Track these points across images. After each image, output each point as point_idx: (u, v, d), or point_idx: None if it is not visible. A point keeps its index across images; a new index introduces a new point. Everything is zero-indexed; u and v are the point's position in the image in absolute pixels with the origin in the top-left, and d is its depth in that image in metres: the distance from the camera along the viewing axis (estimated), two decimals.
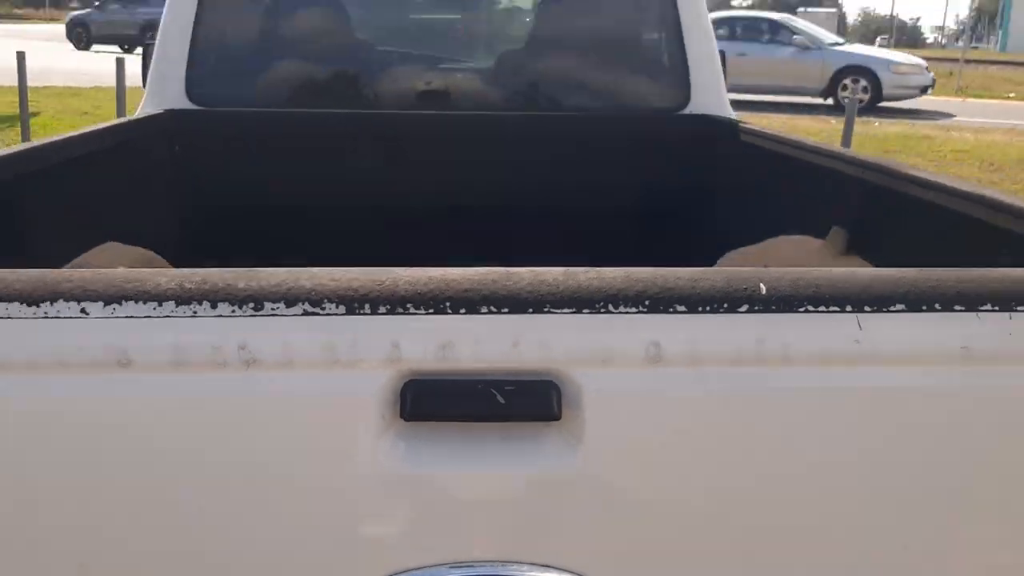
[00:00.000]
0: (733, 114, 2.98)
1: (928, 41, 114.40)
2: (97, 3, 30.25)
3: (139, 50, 27.96)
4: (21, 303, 0.94)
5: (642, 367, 0.99)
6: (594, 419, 1.00)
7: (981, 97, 23.17)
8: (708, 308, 0.98)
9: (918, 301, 0.99)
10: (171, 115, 2.78)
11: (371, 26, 3.19)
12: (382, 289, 0.97)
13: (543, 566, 1.04)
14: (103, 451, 0.98)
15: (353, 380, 0.98)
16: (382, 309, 0.96)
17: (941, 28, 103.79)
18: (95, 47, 28.32)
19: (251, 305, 0.95)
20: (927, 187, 1.68)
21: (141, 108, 2.87)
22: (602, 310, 0.97)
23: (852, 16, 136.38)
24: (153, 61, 2.86)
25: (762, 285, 0.97)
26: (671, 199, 2.83)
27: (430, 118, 2.96)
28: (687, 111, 2.96)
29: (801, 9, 56.79)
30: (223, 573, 1.04)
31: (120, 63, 9.41)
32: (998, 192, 1.54)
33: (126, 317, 0.95)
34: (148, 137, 2.61)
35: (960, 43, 65.42)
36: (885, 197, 1.86)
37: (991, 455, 1.06)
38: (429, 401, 0.99)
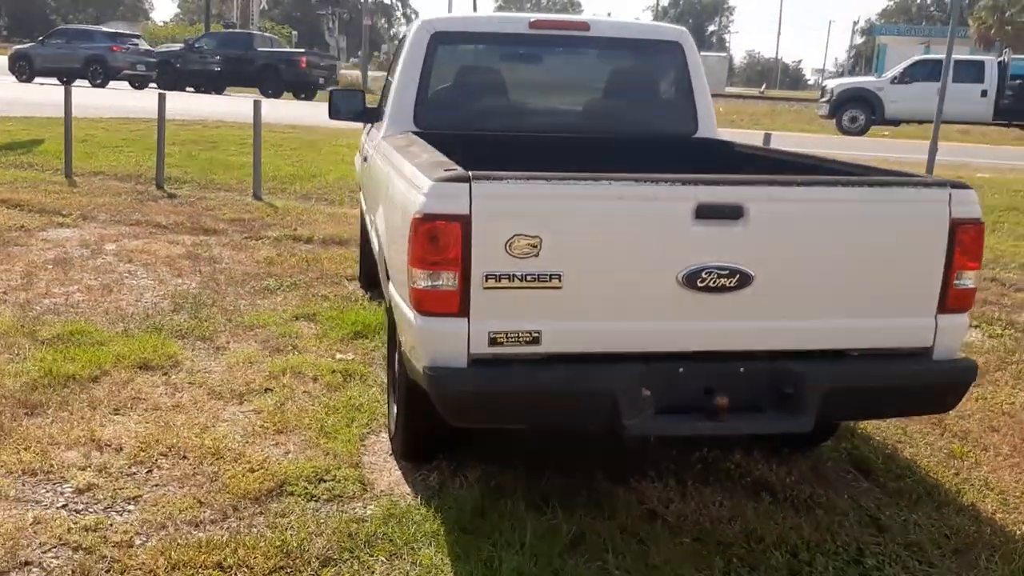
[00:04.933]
0: (719, 135, 5.14)
1: (809, 83, 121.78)
2: (41, 37, 31.17)
3: (79, 82, 28.82)
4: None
5: (767, 203, 3.03)
6: (753, 215, 2.99)
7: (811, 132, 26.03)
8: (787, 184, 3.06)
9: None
10: (406, 135, 4.77)
11: (513, 83, 5.28)
12: (689, 178, 3.01)
13: (733, 263, 3.01)
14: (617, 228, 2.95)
15: (686, 205, 2.96)
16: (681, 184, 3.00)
17: (821, 71, 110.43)
18: (37, 79, 29.22)
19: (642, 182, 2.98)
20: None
21: (385, 130, 4.84)
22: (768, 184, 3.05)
23: (738, 58, 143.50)
24: (392, 102, 4.84)
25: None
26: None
27: (545, 138, 5.03)
28: (697, 135, 5.11)
29: None
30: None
31: (162, 97, 11.10)
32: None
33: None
34: None
35: None
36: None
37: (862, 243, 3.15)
38: (708, 210, 2.94)
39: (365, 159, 5.11)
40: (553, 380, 2.95)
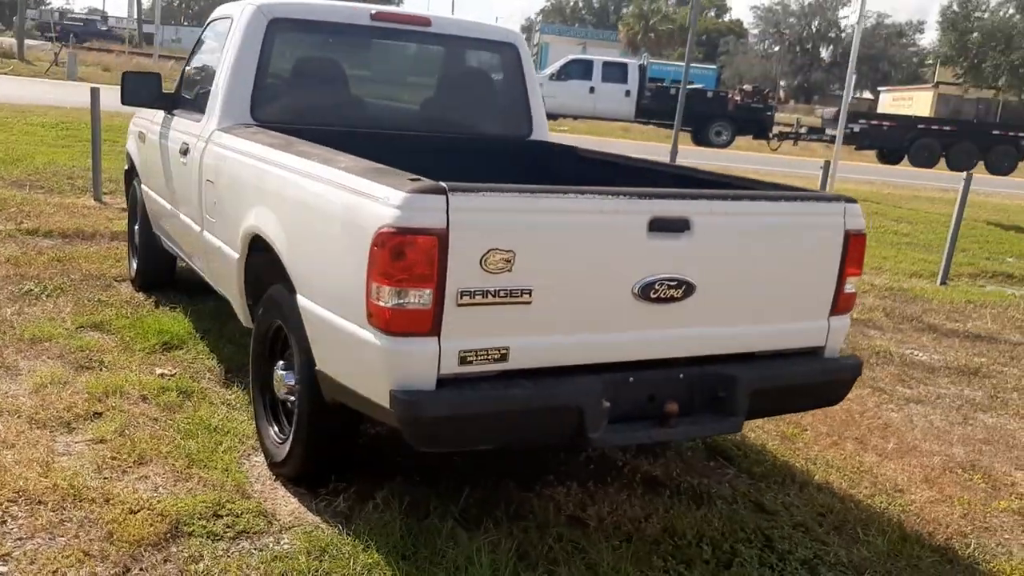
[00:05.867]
0: (549, 137, 5.25)
1: None
2: None
3: None
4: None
5: (709, 216, 3.15)
6: (697, 228, 3.09)
7: None
8: (716, 196, 3.23)
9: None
10: (241, 127, 4.39)
11: (353, 77, 5.00)
12: (645, 192, 3.06)
13: (680, 274, 3.10)
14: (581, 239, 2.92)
15: (642, 219, 2.99)
16: (639, 198, 3.06)
17: None
18: None
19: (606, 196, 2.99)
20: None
21: (217, 122, 4.40)
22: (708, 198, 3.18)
23: None
24: (224, 91, 4.41)
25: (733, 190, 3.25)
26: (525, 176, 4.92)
27: (384, 135, 4.84)
28: (531, 138, 5.18)
29: None
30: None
31: None
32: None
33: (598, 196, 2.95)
34: None
35: None
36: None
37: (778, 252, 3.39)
38: (660, 224, 3.00)
39: (184, 152, 4.61)
40: (527, 397, 2.88)
